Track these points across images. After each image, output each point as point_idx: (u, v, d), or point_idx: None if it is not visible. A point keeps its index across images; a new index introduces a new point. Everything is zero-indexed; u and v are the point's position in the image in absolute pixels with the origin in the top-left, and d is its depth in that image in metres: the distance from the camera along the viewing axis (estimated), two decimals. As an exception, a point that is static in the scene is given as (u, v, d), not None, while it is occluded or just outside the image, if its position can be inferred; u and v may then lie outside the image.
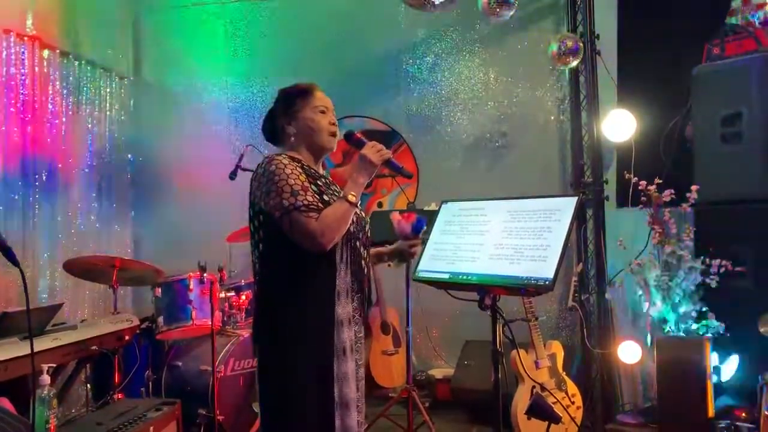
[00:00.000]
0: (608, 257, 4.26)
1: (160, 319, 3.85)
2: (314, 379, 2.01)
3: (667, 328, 3.46)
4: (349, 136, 2.23)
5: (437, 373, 4.80)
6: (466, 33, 5.01)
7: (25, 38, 4.17)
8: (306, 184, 2.02)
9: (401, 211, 2.55)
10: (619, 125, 4.07)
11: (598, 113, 4.36)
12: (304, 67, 5.16)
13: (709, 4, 3.99)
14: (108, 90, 5.05)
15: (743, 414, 3.19)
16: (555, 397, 3.52)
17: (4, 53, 4.03)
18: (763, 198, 3.26)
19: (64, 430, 2.74)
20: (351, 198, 2.03)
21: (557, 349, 3.75)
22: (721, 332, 3.30)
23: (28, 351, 2.01)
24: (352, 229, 2.09)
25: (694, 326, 3.38)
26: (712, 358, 3.28)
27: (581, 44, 4.24)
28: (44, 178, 4.32)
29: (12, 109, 4.07)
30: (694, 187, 3.44)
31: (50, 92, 4.43)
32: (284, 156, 2.08)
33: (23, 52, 4.16)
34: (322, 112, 2.17)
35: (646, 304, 3.56)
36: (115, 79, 5.13)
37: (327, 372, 2.02)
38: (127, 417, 2.87)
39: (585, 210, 4.41)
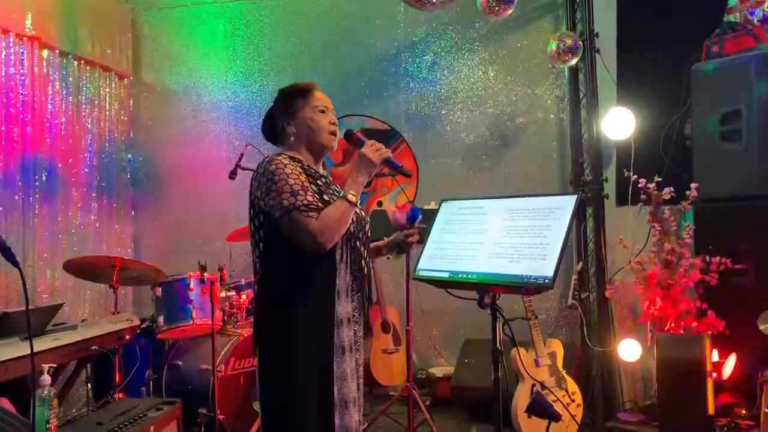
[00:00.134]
0: (608, 255, 4.27)
1: (161, 319, 3.85)
2: (314, 379, 2.01)
3: (667, 326, 3.47)
4: (348, 135, 2.23)
5: (437, 371, 4.81)
6: (466, 31, 5.01)
7: (25, 38, 4.17)
8: (306, 183, 2.02)
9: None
10: (619, 123, 4.07)
11: (598, 111, 4.36)
12: (304, 66, 5.17)
13: (708, 2, 3.98)
14: (107, 90, 5.05)
15: (743, 411, 3.20)
16: (555, 396, 3.52)
17: (4, 53, 4.03)
18: (762, 195, 3.26)
19: (64, 430, 2.74)
20: (351, 197, 2.03)
21: (557, 347, 3.75)
22: (721, 330, 3.30)
23: (28, 351, 2.00)
24: (352, 228, 2.09)
25: (694, 324, 3.38)
26: (712, 356, 3.28)
27: (580, 42, 4.24)
28: (44, 178, 4.32)
29: (12, 109, 4.07)
30: (693, 185, 3.44)
31: (50, 92, 4.43)
32: (284, 156, 2.08)
33: (23, 52, 4.16)
34: (322, 111, 2.17)
35: (646, 302, 3.56)
36: (115, 79, 5.13)
37: (327, 371, 2.03)
38: (127, 417, 2.87)
39: (585, 208, 4.41)
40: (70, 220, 4.57)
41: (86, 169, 4.76)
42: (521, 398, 3.49)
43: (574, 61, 4.27)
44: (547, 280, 1.95)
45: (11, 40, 4.07)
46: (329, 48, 5.18)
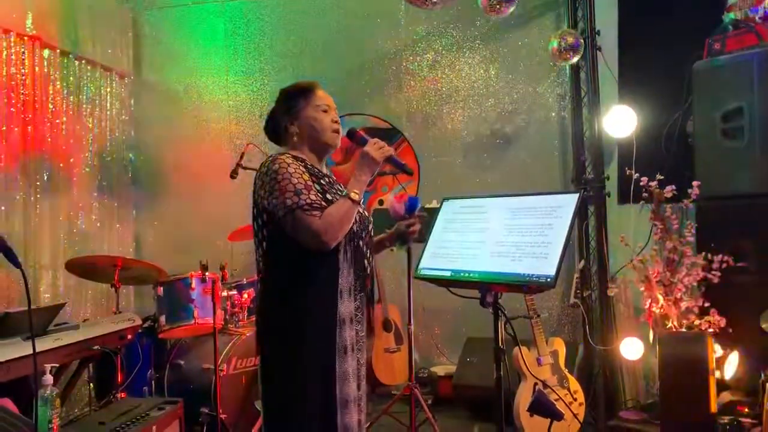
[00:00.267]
0: (610, 253, 4.27)
1: (162, 318, 3.84)
2: (316, 378, 2.01)
3: (669, 324, 3.46)
4: (351, 134, 2.22)
5: (439, 370, 4.81)
6: (467, 30, 5.00)
7: (26, 38, 4.17)
8: (309, 182, 2.02)
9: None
10: (620, 121, 4.06)
11: (599, 109, 4.36)
12: (304, 64, 5.17)
13: (709, -1, 3.98)
14: (108, 89, 5.05)
15: (746, 410, 3.20)
16: (557, 394, 3.52)
17: (5, 53, 4.03)
18: (764, 193, 3.26)
19: (66, 429, 2.74)
20: (354, 196, 2.03)
21: (559, 345, 3.74)
22: (723, 327, 3.29)
23: (30, 351, 2.01)
24: (355, 228, 2.09)
25: (697, 322, 3.38)
26: (715, 354, 3.28)
27: (582, 40, 4.23)
28: (45, 177, 4.32)
29: (13, 109, 4.07)
30: (695, 183, 3.44)
31: (51, 92, 4.43)
32: (288, 155, 2.08)
33: (23, 52, 4.16)
34: (324, 110, 2.17)
35: (648, 300, 3.56)
36: (116, 79, 5.13)
37: (329, 371, 2.02)
38: (129, 416, 2.87)
39: (586, 206, 4.40)
40: (72, 219, 4.57)
41: (87, 169, 4.77)
42: (523, 397, 3.48)
43: (575, 59, 4.26)
44: (549, 279, 1.94)
45: (12, 39, 4.07)
46: (330, 47, 5.17)
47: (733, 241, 3.35)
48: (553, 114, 4.84)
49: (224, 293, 4.01)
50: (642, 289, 3.60)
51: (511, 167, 4.88)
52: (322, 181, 2.09)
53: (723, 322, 3.30)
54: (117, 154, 5.12)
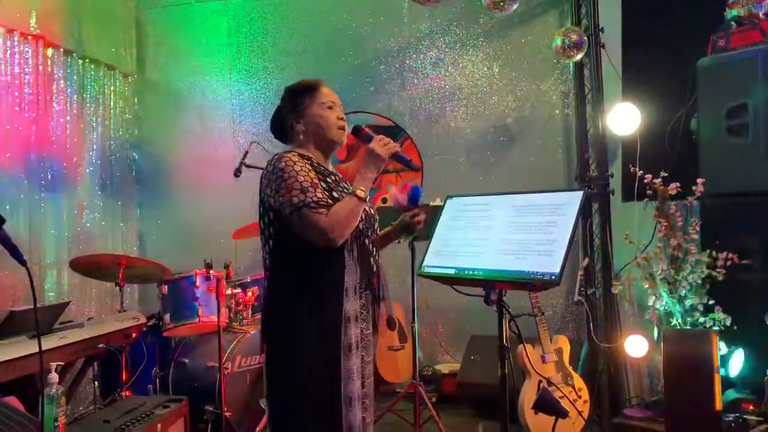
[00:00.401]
0: (614, 251, 4.26)
1: (167, 317, 3.85)
2: (321, 376, 2.00)
3: (674, 322, 3.46)
4: (357, 131, 2.22)
5: (443, 368, 4.81)
6: (470, 27, 5.00)
7: (29, 37, 4.18)
8: (315, 180, 2.02)
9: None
10: (624, 119, 4.05)
11: (603, 107, 4.34)
12: (308, 63, 5.17)
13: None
14: (112, 88, 5.06)
15: (751, 407, 3.19)
16: (562, 392, 3.52)
17: (9, 52, 4.04)
18: (769, 190, 3.25)
19: (72, 427, 2.74)
20: (360, 193, 2.03)
21: (564, 343, 3.74)
22: (728, 325, 3.29)
23: (35, 349, 2.01)
24: (361, 226, 2.09)
25: (701, 319, 3.38)
26: (720, 352, 3.27)
27: (585, 38, 4.22)
28: (49, 176, 4.33)
29: (17, 108, 4.08)
30: (699, 180, 3.43)
31: (54, 91, 4.44)
32: (294, 153, 2.08)
33: (27, 51, 4.17)
34: (330, 107, 2.17)
35: (653, 298, 3.55)
36: (119, 77, 5.15)
37: (334, 368, 2.02)
38: (134, 414, 2.88)
39: (591, 204, 4.40)
40: (76, 218, 4.59)
41: (91, 168, 4.78)
42: (528, 395, 3.48)
43: (579, 57, 4.25)
44: (553, 277, 1.94)
45: (16, 39, 4.08)
46: (333, 45, 5.17)
47: (737, 238, 3.34)
48: (557, 111, 4.83)
49: (228, 291, 4.01)
50: (646, 286, 3.59)
51: (515, 165, 4.88)
52: (328, 179, 2.09)
53: (728, 320, 3.29)
54: (121, 153, 5.14)
